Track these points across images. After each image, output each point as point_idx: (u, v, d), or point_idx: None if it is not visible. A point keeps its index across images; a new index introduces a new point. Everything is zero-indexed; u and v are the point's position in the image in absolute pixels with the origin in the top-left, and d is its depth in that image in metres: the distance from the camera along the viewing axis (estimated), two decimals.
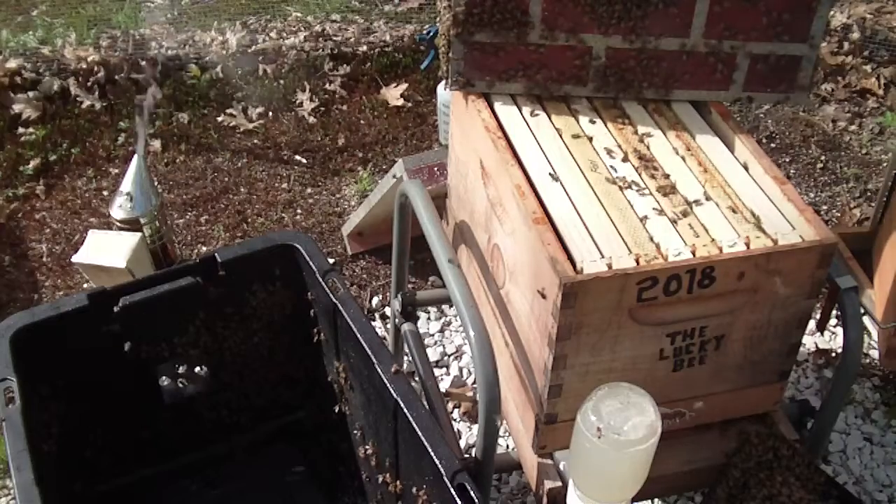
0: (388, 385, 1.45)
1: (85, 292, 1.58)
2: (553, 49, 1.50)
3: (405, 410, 1.41)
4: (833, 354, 2.33)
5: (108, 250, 2.26)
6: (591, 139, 1.49)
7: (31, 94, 3.05)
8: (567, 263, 1.26)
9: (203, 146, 2.99)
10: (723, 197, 1.39)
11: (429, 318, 2.42)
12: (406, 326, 1.78)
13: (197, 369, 1.73)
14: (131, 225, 2.33)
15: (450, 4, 1.46)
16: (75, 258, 2.30)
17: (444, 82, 2.67)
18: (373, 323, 2.07)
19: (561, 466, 1.46)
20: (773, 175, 1.41)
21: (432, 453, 1.35)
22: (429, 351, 2.30)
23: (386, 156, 2.95)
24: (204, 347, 1.72)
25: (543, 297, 1.31)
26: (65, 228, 2.69)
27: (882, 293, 2.12)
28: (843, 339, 1.51)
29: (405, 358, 2.12)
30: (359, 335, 1.52)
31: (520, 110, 1.53)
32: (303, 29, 3.46)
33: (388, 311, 2.44)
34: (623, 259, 1.27)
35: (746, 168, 1.45)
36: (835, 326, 2.40)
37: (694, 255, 1.29)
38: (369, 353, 1.49)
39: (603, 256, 1.28)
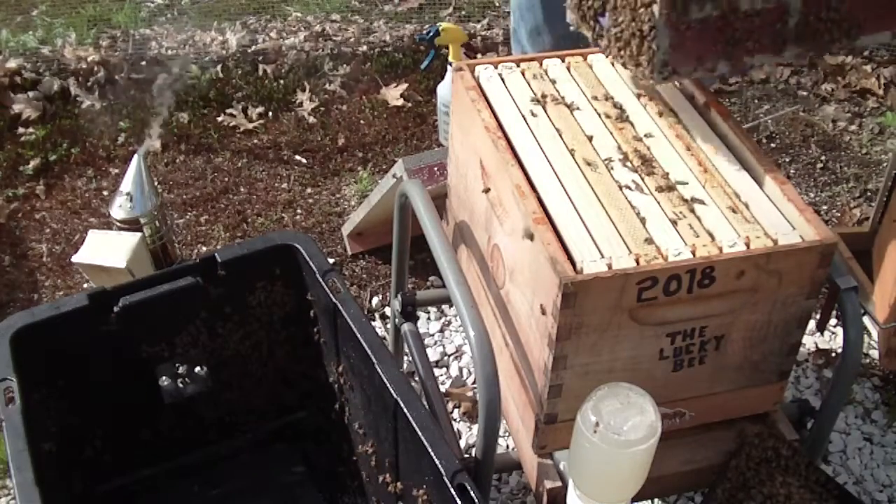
0: (388, 385, 1.45)
1: (85, 292, 1.58)
2: (756, 15, 1.38)
3: (405, 410, 1.41)
4: (833, 354, 2.33)
5: (108, 250, 2.26)
6: (590, 139, 1.49)
7: (31, 94, 3.05)
8: (567, 263, 1.26)
9: (203, 146, 2.99)
10: (723, 197, 1.39)
11: (429, 318, 2.42)
12: (406, 326, 1.78)
13: (197, 369, 1.73)
14: (131, 225, 2.32)
15: None
16: (75, 258, 2.30)
17: (442, 82, 2.67)
18: (373, 323, 2.07)
19: (561, 466, 1.46)
20: (773, 175, 1.41)
21: (432, 453, 1.35)
22: (429, 351, 2.30)
23: (386, 156, 2.94)
24: (204, 347, 1.72)
25: (543, 313, 1.31)
26: (65, 228, 2.69)
27: (882, 293, 2.13)
28: (843, 339, 1.51)
29: (405, 358, 2.12)
30: (359, 335, 1.52)
31: (520, 110, 1.53)
32: (303, 29, 3.46)
33: (388, 311, 2.44)
34: (623, 259, 1.27)
35: (746, 168, 1.45)
36: (835, 326, 2.40)
37: (694, 255, 1.29)
38: (369, 353, 1.49)
39: (603, 256, 1.28)
